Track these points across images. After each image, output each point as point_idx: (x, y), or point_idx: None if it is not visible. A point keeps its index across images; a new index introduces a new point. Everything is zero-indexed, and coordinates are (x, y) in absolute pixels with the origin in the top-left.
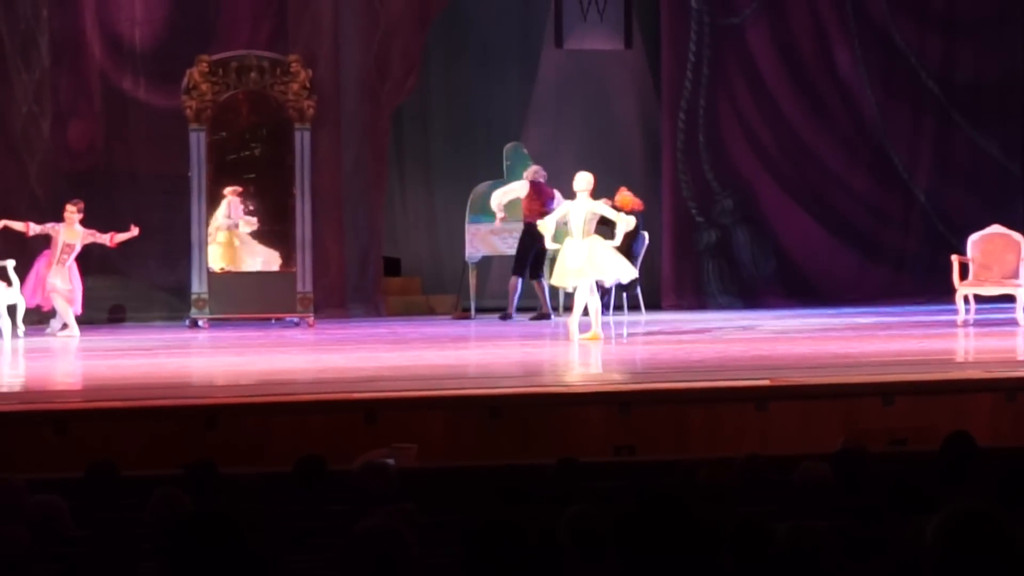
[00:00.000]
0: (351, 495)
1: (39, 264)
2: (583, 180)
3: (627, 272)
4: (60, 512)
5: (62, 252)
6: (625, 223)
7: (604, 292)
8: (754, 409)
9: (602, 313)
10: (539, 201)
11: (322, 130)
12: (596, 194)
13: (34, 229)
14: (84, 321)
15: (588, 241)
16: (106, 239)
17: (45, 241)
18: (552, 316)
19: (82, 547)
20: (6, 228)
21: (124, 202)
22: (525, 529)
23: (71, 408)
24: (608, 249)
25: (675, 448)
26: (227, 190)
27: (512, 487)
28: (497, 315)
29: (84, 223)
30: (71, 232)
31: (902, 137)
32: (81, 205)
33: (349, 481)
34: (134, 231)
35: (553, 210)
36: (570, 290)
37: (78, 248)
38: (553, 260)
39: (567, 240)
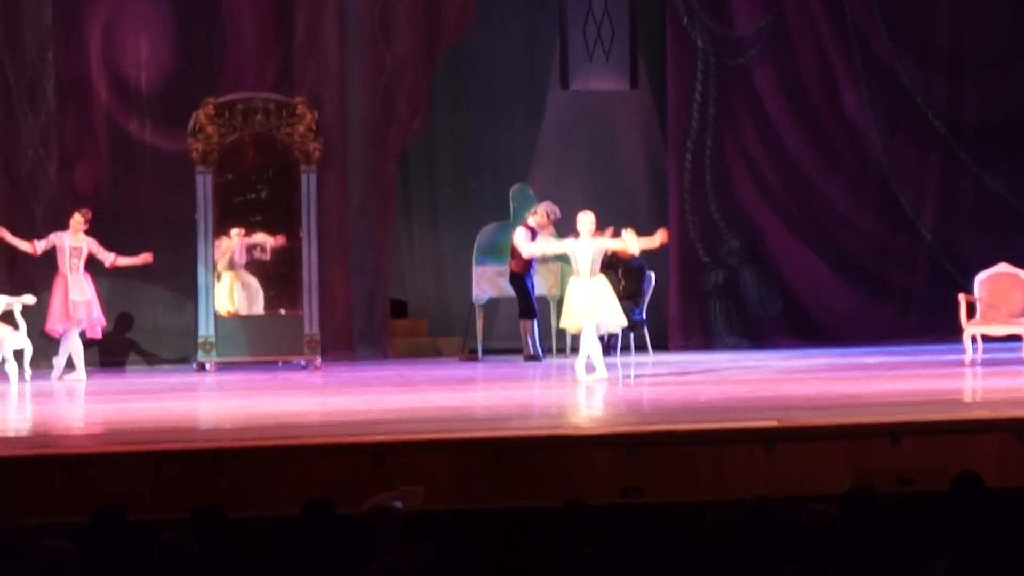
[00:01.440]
0: (359, 538)
1: (55, 293)
2: (587, 221)
3: (621, 320)
4: (69, 557)
5: (71, 257)
6: (633, 240)
7: (611, 333)
8: (762, 450)
9: (609, 354)
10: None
11: (328, 172)
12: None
13: (39, 245)
14: (89, 364)
15: (595, 281)
16: (108, 257)
17: (54, 267)
18: (542, 358)
19: None
20: (9, 243)
21: (131, 245)
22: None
23: (79, 452)
24: (611, 293)
25: (683, 490)
26: (233, 232)
27: (519, 530)
28: (516, 356)
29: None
30: (76, 237)
31: (909, 176)
32: (89, 215)
33: (357, 524)
34: (142, 258)
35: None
36: (574, 332)
37: (85, 251)
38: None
39: (572, 280)
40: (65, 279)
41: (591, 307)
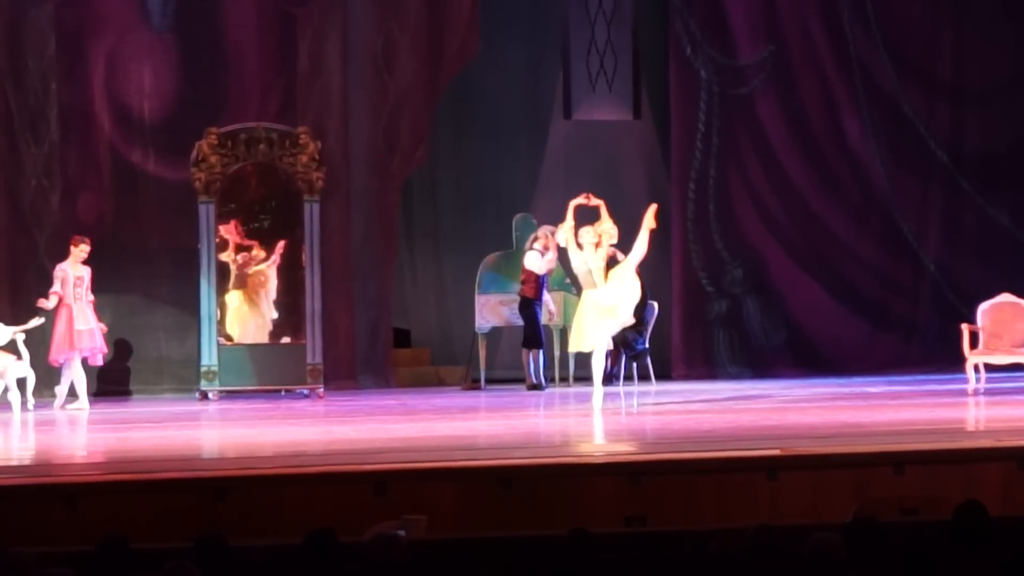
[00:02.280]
0: (361, 567)
1: (59, 322)
2: (590, 233)
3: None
4: None
5: (75, 286)
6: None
7: (614, 362)
8: (765, 479)
9: (612, 383)
10: (535, 276)
11: (331, 202)
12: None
13: (57, 289)
14: (90, 392)
15: (610, 281)
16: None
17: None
18: (545, 387)
19: None
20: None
21: (134, 274)
22: None
23: (81, 481)
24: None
25: (686, 519)
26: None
27: (522, 559)
28: (519, 386)
29: (93, 291)
30: (78, 267)
31: (911, 206)
32: (88, 243)
33: (359, 553)
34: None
35: (545, 282)
36: (587, 350)
37: (87, 281)
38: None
39: (587, 294)
40: (70, 309)
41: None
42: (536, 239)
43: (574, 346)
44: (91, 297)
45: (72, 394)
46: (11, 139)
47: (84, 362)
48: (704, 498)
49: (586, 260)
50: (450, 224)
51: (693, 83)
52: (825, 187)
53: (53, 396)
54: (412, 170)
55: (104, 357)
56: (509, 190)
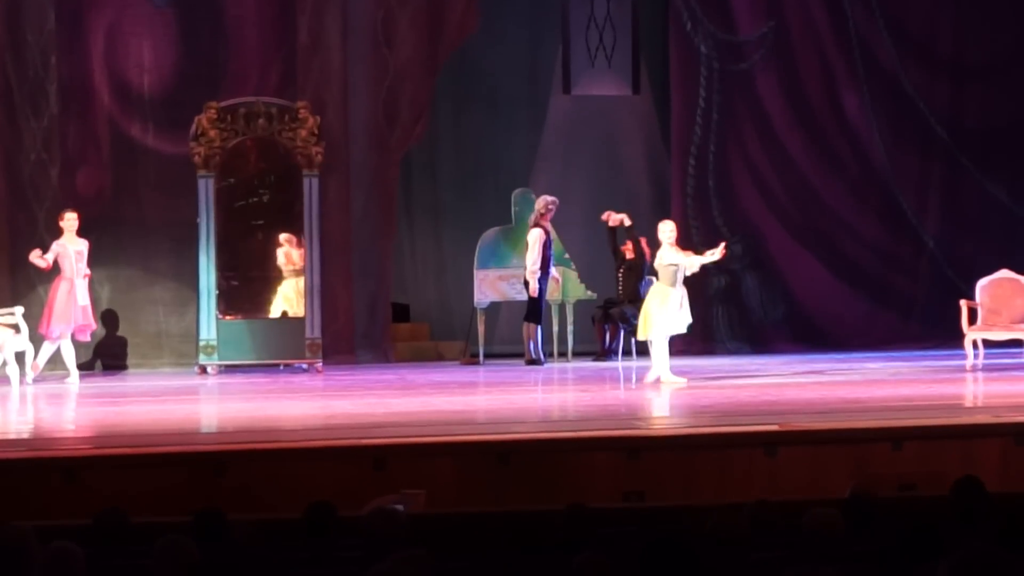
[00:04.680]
0: (360, 542)
1: (58, 296)
2: (667, 229)
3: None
4: (76, 559)
5: (76, 261)
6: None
7: (613, 337)
8: (763, 454)
9: (610, 359)
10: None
11: (330, 176)
12: (597, 235)
13: (49, 260)
14: (89, 368)
15: (679, 289)
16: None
17: (56, 269)
18: (544, 362)
19: None
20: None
21: (133, 248)
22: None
23: (80, 455)
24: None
25: (684, 494)
26: (282, 237)
27: (521, 533)
28: (517, 360)
29: (90, 265)
30: (75, 241)
31: (910, 182)
32: (74, 212)
33: (358, 528)
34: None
35: (551, 255)
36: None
37: (85, 255)
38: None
39: (661, 289)
40: (71, 283)
41: (683, 314)
42: (540, 215)
43: (650, 333)
44: (87, 271)
45: (58, 367)
46: (10, 113)
47: (71, 336)
48: (702, 473)
49: (680, 261)
50: (449, 199)
51: (693, 59)
52: (824, 163)
53: (65, 370)
54: (411, 145)
55: (92, 333)
56: (508, 165)
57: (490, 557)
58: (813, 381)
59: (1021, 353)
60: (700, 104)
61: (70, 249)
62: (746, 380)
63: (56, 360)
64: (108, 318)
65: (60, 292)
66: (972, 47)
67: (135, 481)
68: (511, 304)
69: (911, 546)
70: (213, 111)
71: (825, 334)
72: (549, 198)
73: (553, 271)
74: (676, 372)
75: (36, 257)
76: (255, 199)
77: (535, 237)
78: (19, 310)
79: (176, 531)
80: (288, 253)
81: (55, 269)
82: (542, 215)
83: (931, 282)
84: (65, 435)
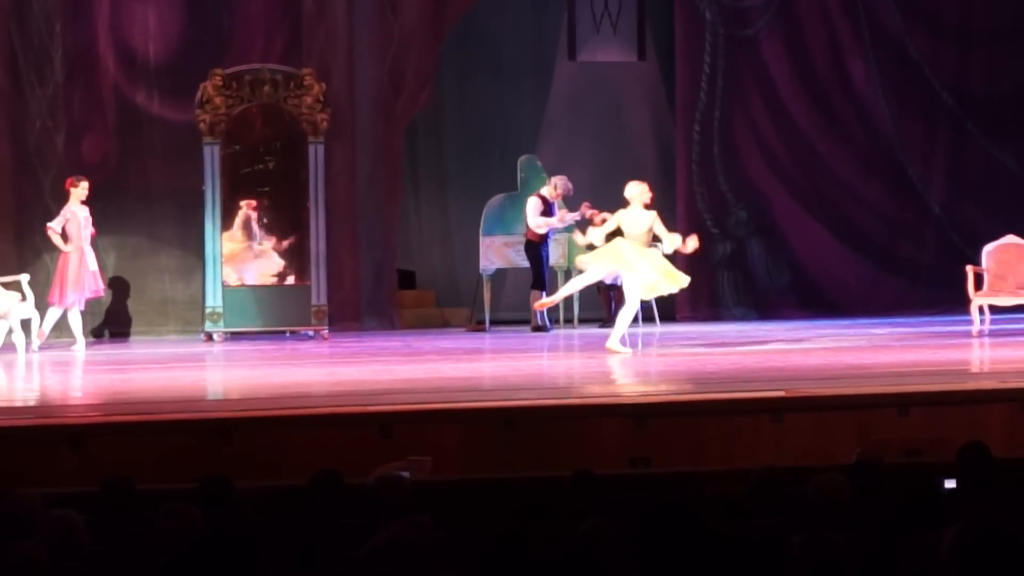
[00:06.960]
0: (366, 508)
1: (69, 264)
2: (637, 189)
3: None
4: (76, 527)
5: (85, 228)
6: (672, 242)
7: (617, 304)
8: (769, 420)
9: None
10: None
11: (336, 143)
12: (601, 200)
13: (57, 229)
14: (97, 336)
15: (650, 253)
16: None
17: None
18: (550, 328)
19: (97, 562)
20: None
21: (138, 216)
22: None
23: (86, 423)
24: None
25: (690, 460)
26: (243, 203)
27: (527, 500)
28: (523, 327)
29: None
30: (83, 207)
31: (916, 148)
32: (87, 180)
33: (364, 495)
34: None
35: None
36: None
37: (90, 220)
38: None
39: (624, 243)
40: (81, 251)
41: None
42: (551, 184)
43: (648, 293)
44: (92, 229)
45: (63, 334)
46: (16, 80)
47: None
48: (709, 440)
49: (624, 219)
50: (455, 166)
51: (698, 25)
52: (830, 129)
53: (71, 337)
54: (417, 112)
55: (103, 294)
56: (514, 132)
57: (495, 524)
58: (819, 347)
59: None
60: (705, 71)
61: (80, 216)
62: (752, 347)
63: (62, 327)
64: (116, 284)
65: (72, 260)
66: (978, 13)
67: (141, 448)
68: (517, 271)
69: (917, 512)
70: (218, 78)
71: (831, 300)
72: (569, 184)
73: (568, 215)
74: (680, 338)
75: (54, 236)
76: (260, 166)
77: (532, 205)
78: (24, 277)
79: (182, 498)
80: (247, 216)
81: (62, 237)
82: (554, 197)
83: (937, 248)
84: (71, 402)
